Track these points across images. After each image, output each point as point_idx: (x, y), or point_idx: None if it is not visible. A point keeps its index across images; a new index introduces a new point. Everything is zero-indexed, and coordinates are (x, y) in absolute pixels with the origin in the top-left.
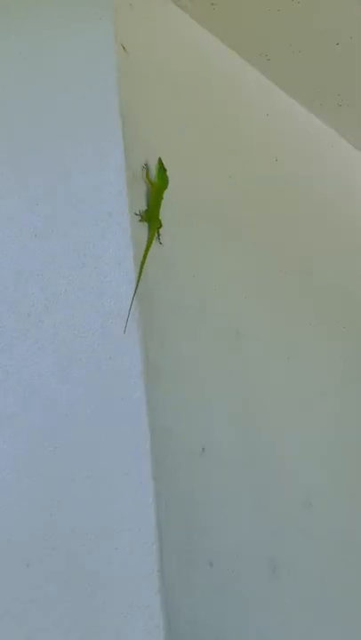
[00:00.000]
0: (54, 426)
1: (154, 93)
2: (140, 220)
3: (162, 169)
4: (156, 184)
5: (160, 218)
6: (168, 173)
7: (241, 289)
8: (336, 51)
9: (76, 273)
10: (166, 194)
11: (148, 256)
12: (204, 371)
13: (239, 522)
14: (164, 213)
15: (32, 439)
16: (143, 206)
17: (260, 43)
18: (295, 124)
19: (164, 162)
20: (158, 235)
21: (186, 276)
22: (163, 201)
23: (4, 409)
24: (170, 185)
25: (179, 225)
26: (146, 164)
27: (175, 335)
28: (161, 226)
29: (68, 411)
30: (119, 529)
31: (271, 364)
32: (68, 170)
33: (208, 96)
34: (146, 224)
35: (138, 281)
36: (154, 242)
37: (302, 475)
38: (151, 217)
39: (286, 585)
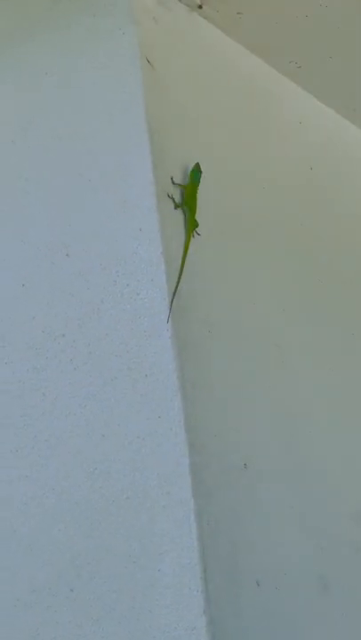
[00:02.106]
0: (92, 447)
1: (181, 106)
2: (176, 207)
3: (196, 171)
4: (189, 185)
5: (196, 219)
6: (203, 186)
7: (279, 301)
8: None
9: (108, 291)
10: (199, 208)
11: (183, 272)
12: (244, 386)
13: (286, 538)
14: (200, 229)
15: (70, 462)
16: (173, 221)
17: (290, 50)
18: (329, 131)
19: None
20: (194, 235)
21: (221, 290)
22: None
23: (41, 432)
24: (204, 197)
25: (213, 238)
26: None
27: (212, 350)
28: (197, 226)
29: (105, 431)
30: (161, 550)
31: (313, 377)
32: (96, 187)
33: (237, 107)
34: (181, 217)
35: (180, 276)
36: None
37: (350, 487)
38: (189, 218)
39: (339, 603)
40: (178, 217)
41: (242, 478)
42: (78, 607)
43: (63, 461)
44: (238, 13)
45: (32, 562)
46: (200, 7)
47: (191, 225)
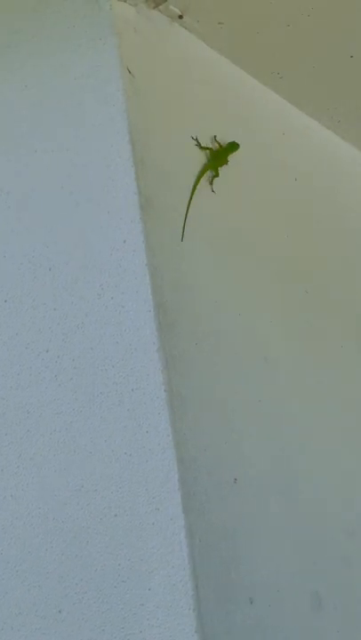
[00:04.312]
0: (78, 465)
1: (163, 117)
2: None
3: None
4: (222, 150)
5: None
6: (188, 196)
7: (267, 314)
8: (351, 63)
9: (92, 304)
10: (187, 221)
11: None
12: (232, 399)
13: (279, 554)
14: (185, 239)
15: (56, 480)
16: (158, 232)
17: (272, 60)
18: (313, 142)
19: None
20: (213, 178)
21: (208, 302)
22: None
23: (26, 450)
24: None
25: (199, 251)
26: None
27: (200, 363)
28: (217, 175)
29: (91, 448)
30: (151, 568)
31: (302, 390)
32: (78, 199)
33: (220, 117)
34: (166, 228)
35: (188, 208)
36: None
37: (342, 502)
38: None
39: (333, 619)
40: (162, 228)
41: (233, 493)
42: (67, 629)
43: (49, 480)
44: (220, 23)
45: (18, 583)
46: (181, 17)
47: (210, 166)
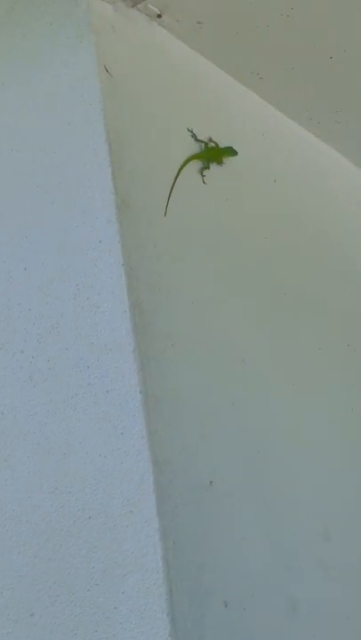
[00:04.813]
0: (52, 466)
1: (141, 117)
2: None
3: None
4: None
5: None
6: (165, 196)
7: (243, 315)
8: (330, 65)
9: (68, 305)
10: (164, 221)
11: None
12: (208, 401)
13: (253, 557)
14: (162, 240)
15: (30, 482)
16: (134, 232)
17: (251, 61)
18: (293, 143)
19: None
20: (203, 170)
21: (185, 303)
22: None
23: (0, 451)
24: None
25: (176, 252)
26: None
27: (175, 365)
28: (207, 167)
29: (65, 449)
30: (125, 571)
31: (279, 392)
32: (54, 198)
33: (198, 118)
34: (141, 228)
35: (172, 186)
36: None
37: (318, 505)
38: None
39: (308, 623)
40: (138, 228)
41: (207, 496)
42: (39, 632)
43: (23, 482)
44: (198, 23)
45: None
46: (159, 16)
47: (201, 156)
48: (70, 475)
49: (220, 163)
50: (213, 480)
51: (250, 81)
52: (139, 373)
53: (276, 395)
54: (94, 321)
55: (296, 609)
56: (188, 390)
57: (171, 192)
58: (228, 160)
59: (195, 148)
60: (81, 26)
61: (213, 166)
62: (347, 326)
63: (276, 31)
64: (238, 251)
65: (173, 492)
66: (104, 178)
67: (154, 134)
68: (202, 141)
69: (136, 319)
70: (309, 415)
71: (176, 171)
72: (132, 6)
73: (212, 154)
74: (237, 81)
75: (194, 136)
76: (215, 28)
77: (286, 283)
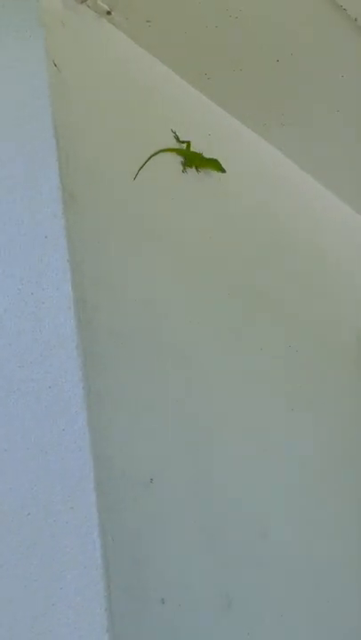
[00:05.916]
0: None
1: (89, 112)
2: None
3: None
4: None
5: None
6: (113, 192)
7: (190, 314)
8: (277, 68)
9: (11, 299)
10: (111, 217)
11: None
12: (151, 399)
13: (191, 555)
14: (107, 236)
15: None
16: (80, 228)
17: (200, 61)
18: (239, 144)
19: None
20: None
21: (129, 300)
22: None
23: None
24: (114, 207)
25: (122, 248)
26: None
27: (119, 362)
28: (188, 164)
29: (6, 445)
30: (64, 567)
31: (222, 391)
32: (0, 192)
33: (145, 115)
34: (87, 224)
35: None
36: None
37: (255, 504)
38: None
39: (243, 620)
40: (85, 223)
41: (148, 493)
42: None
43: None
44: (147, 21)
45: None
46: (109, 13)
47: (181, 152)
48: (11, 470)
49: (198, 168)
50: (154, 477)
51: (198, 81)
52: (82, 369)
53: (220, 394)
54: (38, 316)
55: (231, 606)
56: (132, 387)
57: (144, 164)
58: (175, 159)
59: (143, 143)
60: (30, 19)
61: (160, 165)
62: (290, 327)
63: (224, 32)
64: (185, 250)
65: (114, 488)
66: (51, 173)
67: (102, 129)
68: (184, 142)
69: (80, 315)
70: (252, 415)
71: (126, 166)
72: (82, 2)
73: (195, 158)
74: (186, 81)
75: (176, 137)
76: (164, 27)
77: (234, 283)
